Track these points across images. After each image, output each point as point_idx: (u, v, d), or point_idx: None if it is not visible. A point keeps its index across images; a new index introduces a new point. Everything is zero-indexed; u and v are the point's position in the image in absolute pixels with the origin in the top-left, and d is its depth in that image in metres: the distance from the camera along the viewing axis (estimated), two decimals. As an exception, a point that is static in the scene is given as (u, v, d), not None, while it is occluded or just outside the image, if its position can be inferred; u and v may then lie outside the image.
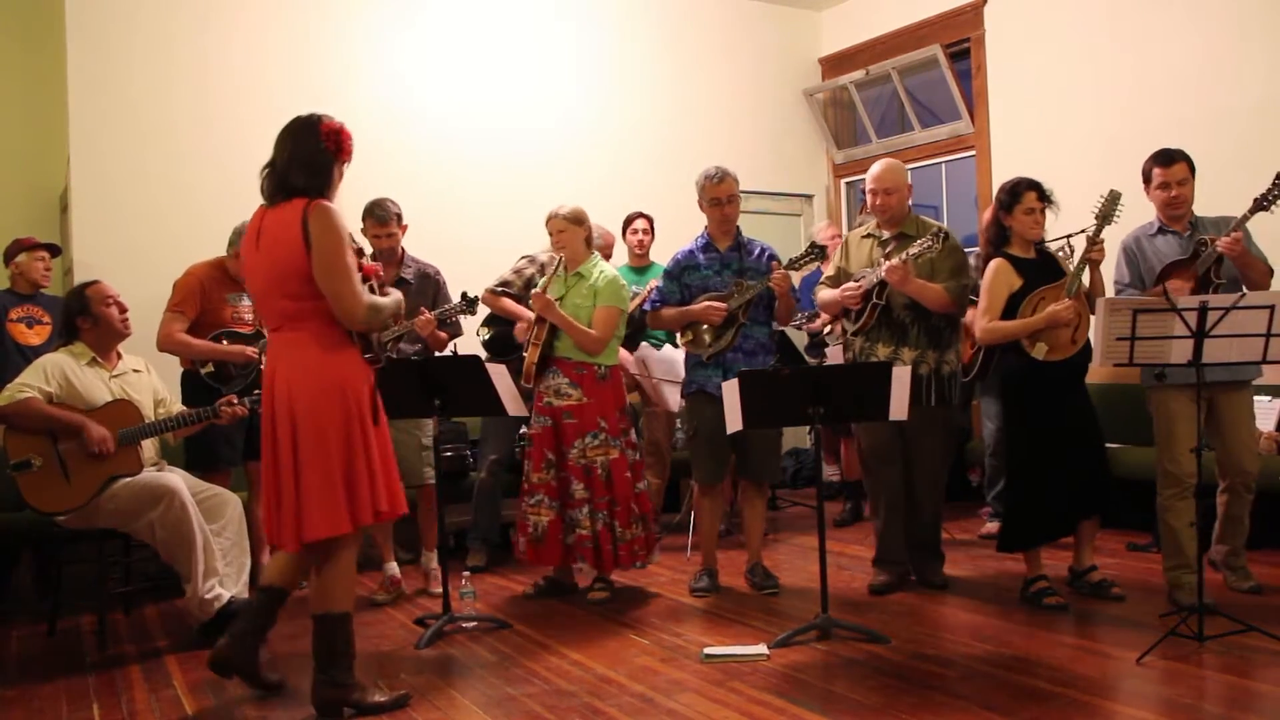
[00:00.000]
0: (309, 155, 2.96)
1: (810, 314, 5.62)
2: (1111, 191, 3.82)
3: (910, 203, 4.32)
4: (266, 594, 3.15)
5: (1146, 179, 3.98)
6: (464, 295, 4.54)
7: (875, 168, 4.24)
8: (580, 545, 4.21)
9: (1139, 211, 4.02)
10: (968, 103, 6.73)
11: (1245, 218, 3.74)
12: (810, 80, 7.66)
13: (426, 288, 4.60)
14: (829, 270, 4.45)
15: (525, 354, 4.33)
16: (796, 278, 6.05)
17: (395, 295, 3.23)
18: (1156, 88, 5.65)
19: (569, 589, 4.45)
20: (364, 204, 5.30)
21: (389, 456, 3.08)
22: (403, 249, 4.64)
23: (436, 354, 4.55)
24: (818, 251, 4.30)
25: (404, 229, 4.58)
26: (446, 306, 4.46)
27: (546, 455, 4.27)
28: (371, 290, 3.08)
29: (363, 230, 4.53)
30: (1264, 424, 4.71)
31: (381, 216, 4.50)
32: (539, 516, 4.23)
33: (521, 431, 5.10)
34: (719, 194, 4.33)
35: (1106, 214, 3.82)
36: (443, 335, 4.56)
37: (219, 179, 5.24)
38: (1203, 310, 3.28)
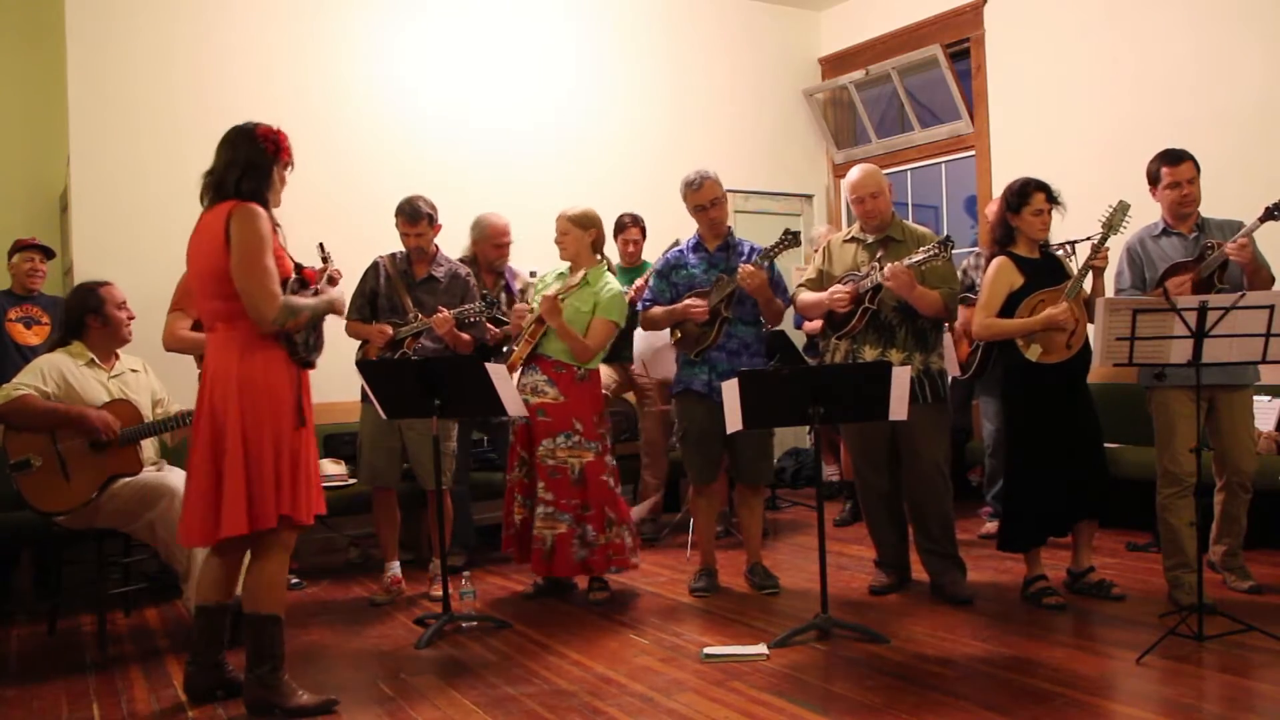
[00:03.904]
0: (248, 160, 3.03)
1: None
2: (1120, 202, 3.83)
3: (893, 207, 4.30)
4: (201, 614, 3.17)
5: (1153, 180, 3.98)
6: (483, 296, 4.55)
7: (853, 175, 4.19)
8: (532, 544, 4.19)
9: (1142, 212, 4.02)
10: (967, 103, 6.73)
11: (1255, 225, 3.73)
12: (810, 80, 7.66)
13: (456, 287, 4.58)
14: (809, 273, 4.42)
15: (516, 346, 4.37)
16: (796, 277, 6.07)
17: (327, 296, 3.20)
18: (1156, 88, 5.66)
19: (569, 589, 4.45)
20: (370, 202, 5.34)
21: (310, 461, 3.09)
22: (436, 247, 4.64)
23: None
24: (791, 238, 4.27)
25: (437, 229, 4.58)
26: (464, 307, 4.44)
27: (520, 454, 4.31)
28: (316, 294, 3.13)
29: (396, 227, 4.54)
30: (1264, 424, 4.71)
31: (411, 215, 4.50)
32: (516, 514, 4.29)
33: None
34: (700, 200, 4.33)
35: (1113, 224, 3.83)
36: (465, 337, 4.48)
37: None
38: (1202, 310, 3.28)
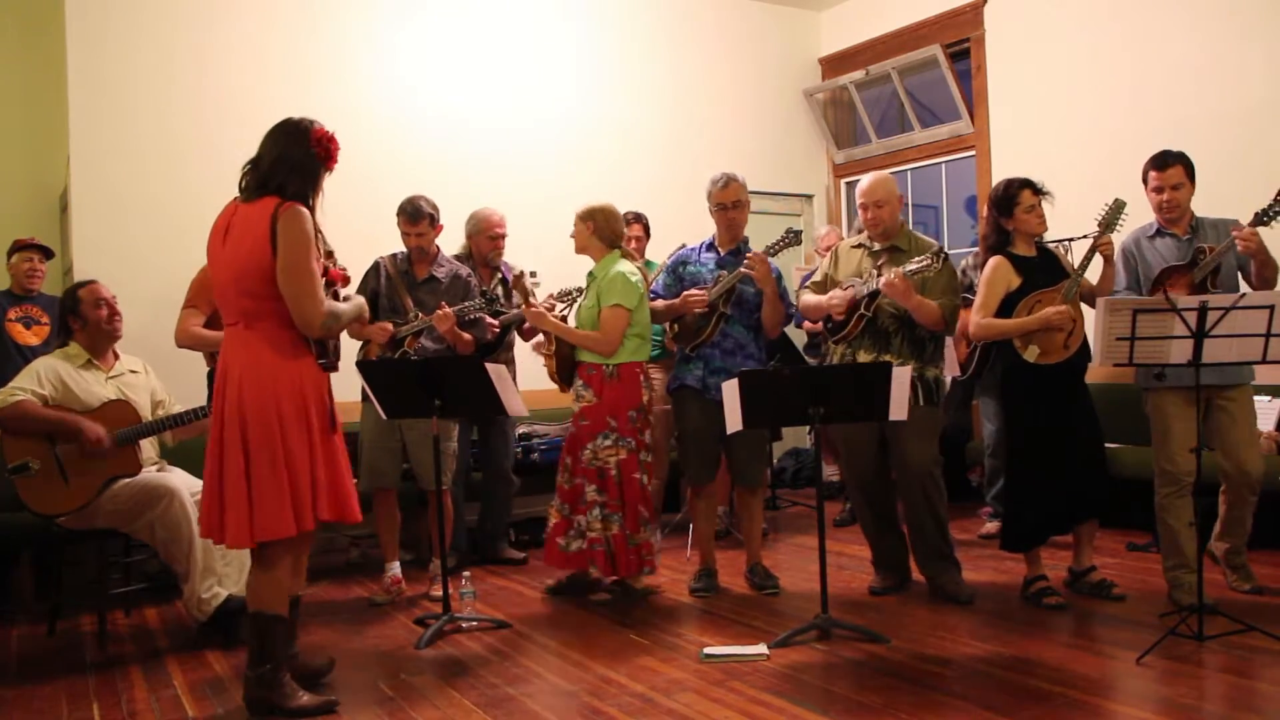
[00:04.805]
0: (298, 159, 2.97)
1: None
2: (1116, 200, 3.83)
3: (901, 216, 4.29)
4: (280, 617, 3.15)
5: (1144, 181, 3.98)
6: (483, 293, 4.55)
7: (864, 181, 4.23)
8: (590, 549, 4.14)
9: (1141, 210, 4.02)
10: (968, 103, 6.73)
11: (1267, 222, 3.69)
12: (810, 80, 7.66)
13: (457, 288, 4.58)
14: (816, 276, 4.47)
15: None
16: (796, 277, 6.07)
17: (357, 301, 3.23)
18: (1156, 88, 5.65)
19: (589, 587, 4.42)
20: (370, 202, 5.33)
21: (340, 464, 3.08)
22: (437, 248, 4.64)
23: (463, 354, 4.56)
24: (792, 236, 4.31)
25: (438, 229, 4.59)
26: (465, 304, 4.44)
27: (564, 460, 4.31)
28: (335, 297, 3.11)
29: (398, 226, 4.56)
30: (1264, 424, 4.70)
31: (412, 214, 4.51)
32: (551, 518, 4.30)
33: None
34: (724, 199, 4.36)
35: (1110, 222, 3.83)
36: (466, 336, 4.46)
37: (219, 179, 5.21)
38: (1202, 310, 3.28)
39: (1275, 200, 3.67)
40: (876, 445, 4.17)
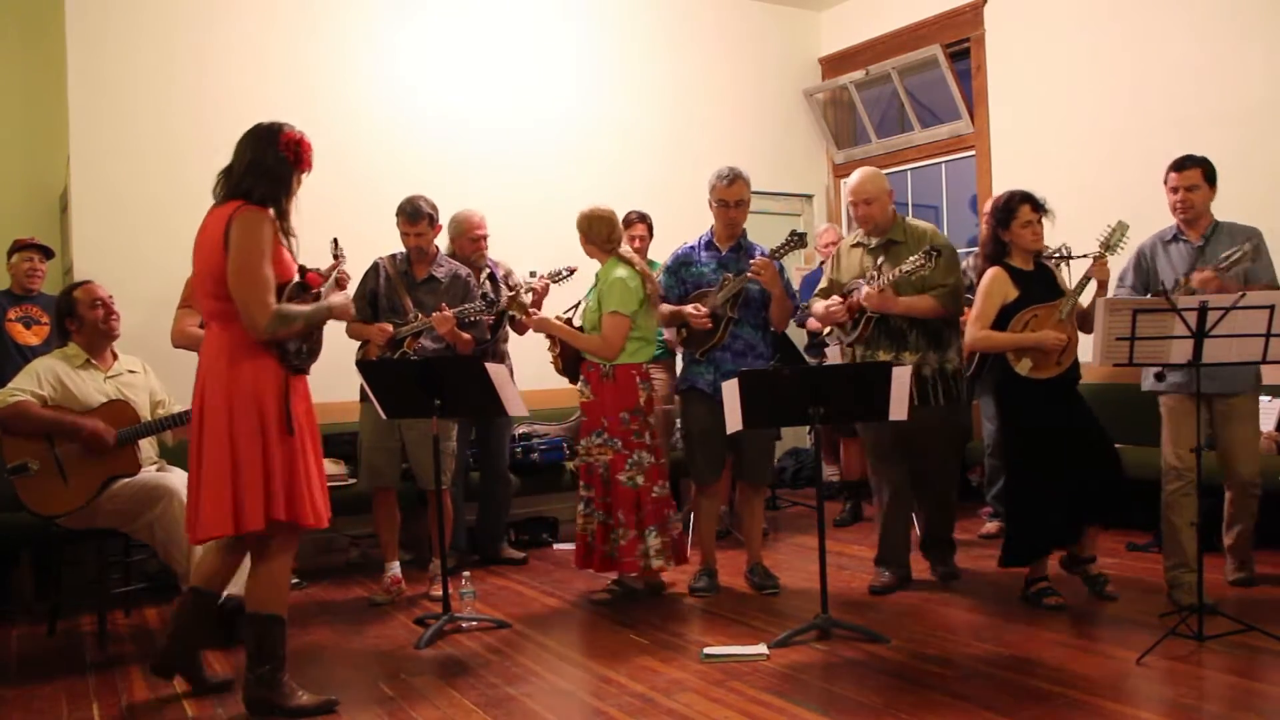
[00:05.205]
0: (269, 164, 2.99)
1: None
2: (1120, 222, 3.84)
3: (893, 206, 4.32)
4: (194, 595, 3.18)
5: (1165, 182, 3.99)
6: (483, 296, 4.55)
7: (852, 179, 4.26)
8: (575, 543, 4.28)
9: (1151, 217, 4.03)
10: (967, 103, 6.73)
11: (1224, 268, 3.69)
12: (810, 80, 7.66)
13: (456, 288, 4.58)
14: (821, 282, 4.50)
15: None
16: (796, 277, 6.08)
17: (327, 302, 3.12)
18: (1156, 88, 5.65)
19: (658, 590, 4.40)
20: (369, 203, 5.34)
21: (298, 466, 3.00)
22: (436, 248, 4.65)
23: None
24: (797, 239, 4.30)
25: (438, 229, 4.60)
26: (465, 306, 4.45)
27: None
28: (317, 298, 3.09)
29: (397, 226, 4.57)
30: (1264, 424, 4.70)
31: (411, 214, 4.51)
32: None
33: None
34: (728, 196, 4.34)
35: (1111, 244, 3.83)
36: (465, 336, 4.47)
37: (219, 179, 5.25)
38: (1202, 310, 3.28)
39: (1235, 249, 3.69)
40: (903, 436, 4.19)
